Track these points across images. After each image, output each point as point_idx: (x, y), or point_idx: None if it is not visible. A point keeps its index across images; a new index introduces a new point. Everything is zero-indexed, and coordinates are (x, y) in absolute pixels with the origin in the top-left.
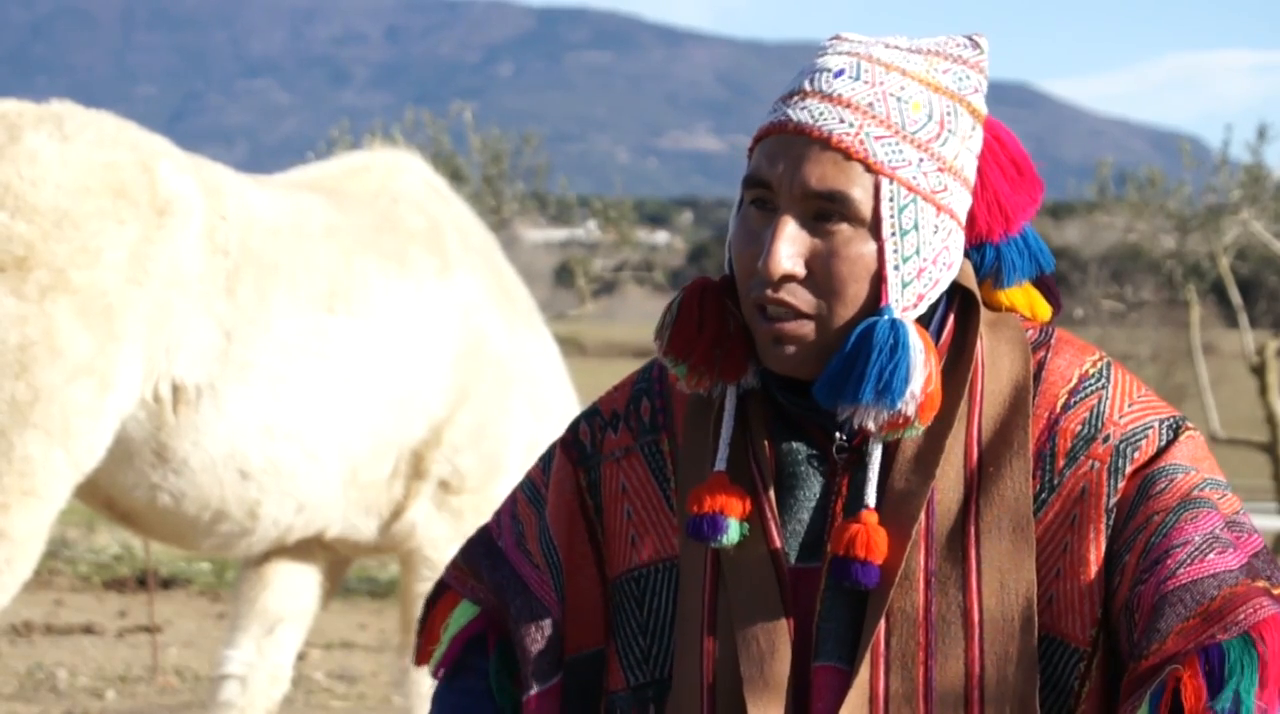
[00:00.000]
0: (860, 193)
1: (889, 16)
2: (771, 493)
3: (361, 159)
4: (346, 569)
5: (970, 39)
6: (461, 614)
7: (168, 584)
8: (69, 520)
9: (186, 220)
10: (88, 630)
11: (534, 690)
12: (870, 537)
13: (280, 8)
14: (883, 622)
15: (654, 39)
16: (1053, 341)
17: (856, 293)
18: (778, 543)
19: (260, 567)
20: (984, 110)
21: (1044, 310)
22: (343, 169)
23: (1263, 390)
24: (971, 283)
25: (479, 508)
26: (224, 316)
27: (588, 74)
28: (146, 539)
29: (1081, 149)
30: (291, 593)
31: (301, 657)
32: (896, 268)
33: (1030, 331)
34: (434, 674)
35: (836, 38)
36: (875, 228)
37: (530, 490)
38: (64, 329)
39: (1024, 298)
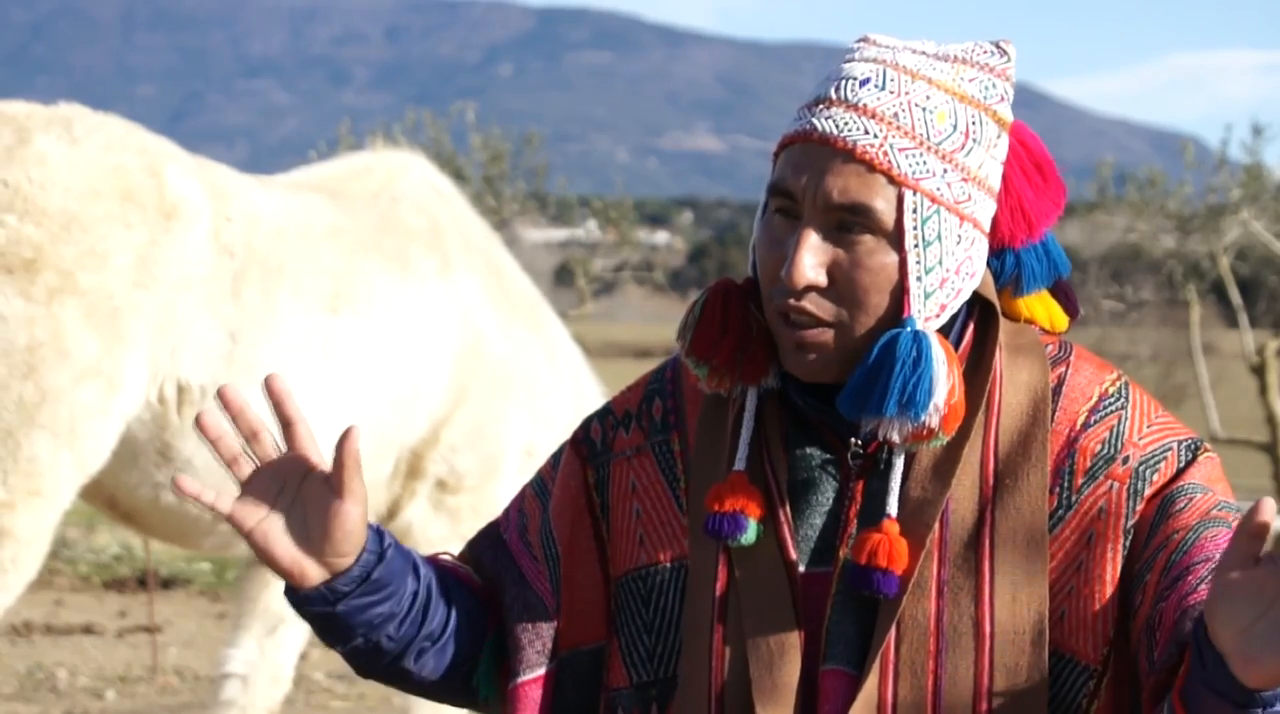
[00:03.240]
0: (883, 204)
1: (889, 17)
2: (786, 497)
3: (364, 160)
4: None
5: (997, 46)
6: None
7: (168, 584)
8: (69, 520)
9: (193, 224)
10: (88, 630)
11: (521, 679)
12: (893, 546)
13: (280, 8)
14: (893, 628)
15: (654, 39)
16: (1072, 358)
17: (878, 303)
18: (790, 547)
19: (263, 566)
20: (1009, 118)
21: (1061, 320)
22: (346, 170)
23: (1263, 390)
24: (991, 294)
25: (476, 508)
26: (229, 318)
27: (588, 74)
28: (149, 538)
29: (1082, 149)
30: None
31: (302, 657)
32: (919, 279)
33: (1050, 347)
34: None
35: (864, 40)
36: (898, 239)
37: (538, 486)
38: (71, 331)
39: (1043, 309)
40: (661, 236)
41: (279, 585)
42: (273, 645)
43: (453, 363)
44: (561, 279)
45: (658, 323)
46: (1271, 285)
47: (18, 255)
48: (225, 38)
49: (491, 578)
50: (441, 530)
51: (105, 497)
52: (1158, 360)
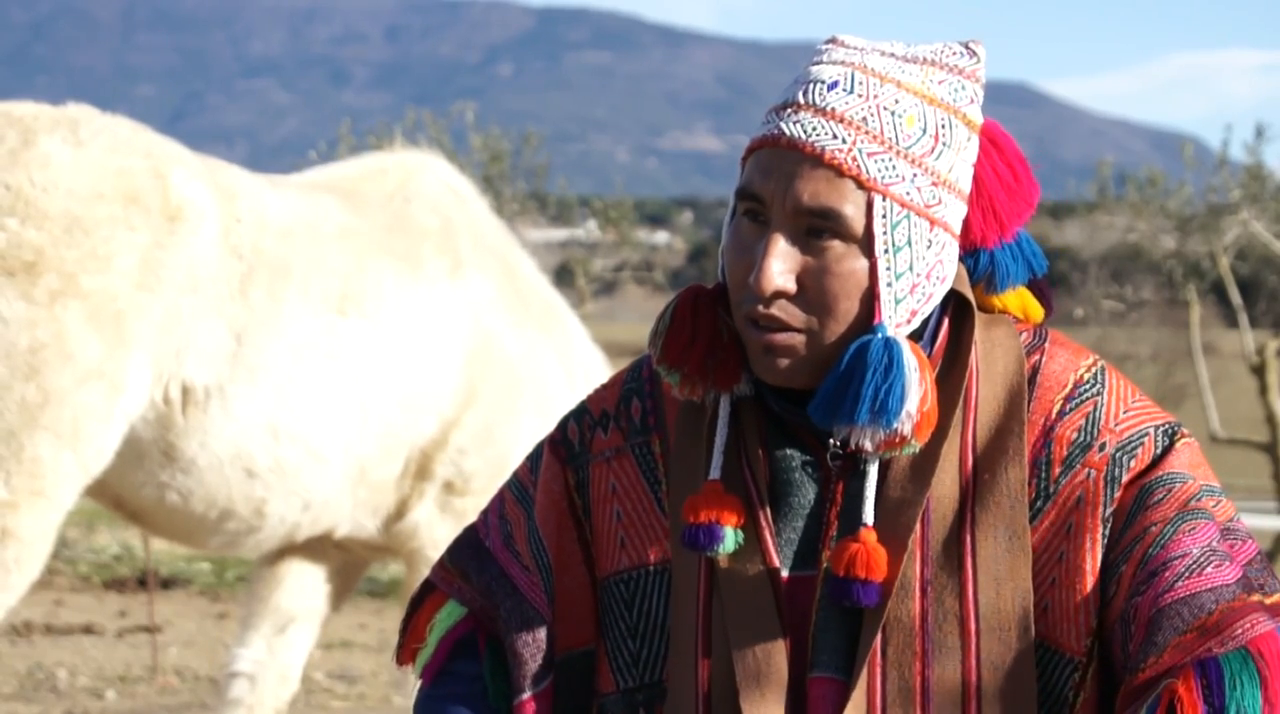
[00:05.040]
0: (852, 209)
1: (888, 17)
2: (766, 502)
3: (380, 160)
4: (362, 572)
5: (966, 47)
6: (448, 615)
7: (168, 584)
8: (69, 520)
9: (198, 226)
10: (88, 630)
11: (525, 695)
12: (870, 556)
13: (280, 8)
14: (879, 633)
15: (654, 39)
16: (1046, 345)
17: (848, 309)
18: (773, 553)
19: (274, 565)
20: (979, 120)
21: (1036, 312)
22: (362, 170)
23: (1263, 390)
24: (966, 289)
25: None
26: (235, 319)
27: (588, 74)
28: (156, 537)
29: (1081, 149)
30: (305, 592)
31: None
32: (889, 285)
33: (1024, 334)
34: (420, 677)
35: (832, 41)
36: (868, 244)
37: (518, 489)
38: (74, 333)
39: (1017, 300)
40: (661, 236)
41: (290, 584)
42: (282, 645)
43: (463, 364)
44: (561, 279)
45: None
46: (1271, 285)
47: (19, 258)
48: (225, 38)
49: (481, 591)
50: (447, 532)
51: (111, 496)
52: (1158, 360)
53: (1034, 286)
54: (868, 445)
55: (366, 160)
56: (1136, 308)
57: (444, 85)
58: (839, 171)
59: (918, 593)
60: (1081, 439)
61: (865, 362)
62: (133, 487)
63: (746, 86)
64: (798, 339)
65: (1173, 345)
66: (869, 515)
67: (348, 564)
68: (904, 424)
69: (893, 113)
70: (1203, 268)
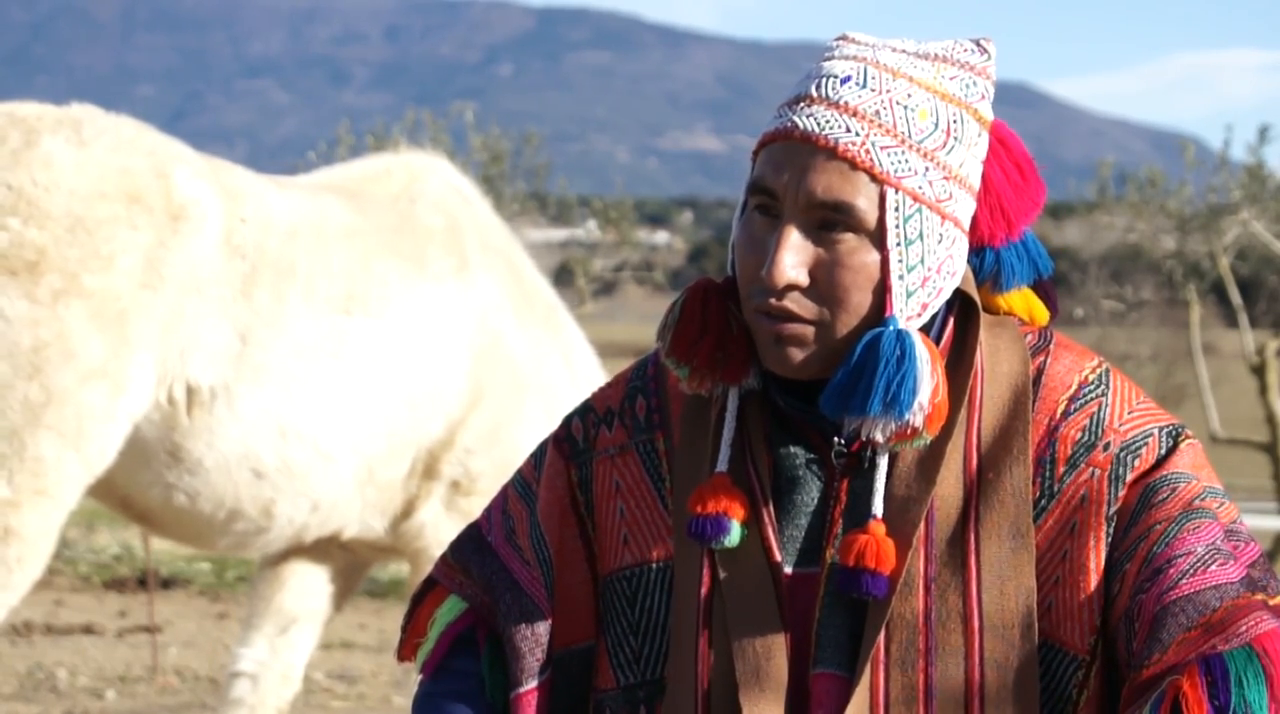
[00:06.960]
0: (865, 203)
1: (889, 17)
2: (770, 498)
3: (385, 162)
4: (365, 573)
5: (978, 44)
6: (449, 610)
7: (168, 584)
8: (69, 520)
9: (201, 225)
10: (88, 630)
11: (523, 688)
12: (880, 548)
13: (280, 8)
14: (882, 629)
15: (654, 39)
16: (1051, 347)
17: (860, 302)
18: (775, 548)
19: (278, 566)
20: (990, 117)
21: (1041, 314)
22: (366, 172)
23: (1263, 390)
24: (972, 289)
25: None
26: (240, 319)
27: (588, 74)
28: (165, 539)
29: (1081, 149)
30: (308, 593)
31: None
32: (901, 277)
33: (1029, 336)
34: (421, 672)
35: (843, 38)
36: (880, 238)
37: (521, 486)
38: (77, 332)
39: (1022, 302)
40: (661, 236)
41: (293, 585)
42: (285, 645)
43: (469, 363)
44: (561, 279)
45: (657, 323)
46: (1271, 285)
47: (21, 258)
48: (225, 38)
49: (481, 585)
50: (454, 532)
51: (119, 498)
52: (1158, 360)
53: (1039, 288)
54: (879, 437)
55: (372, 162)
56: (1136, 308)
57: (444, 85)
58: (852, 164)
59: (921, 591)
60: (1086, 439)
61: (877, 353)
62: (140, 488)
63: (746, 86)
64: (808, 331)
65: (1173, 345)
66: (878, 508)
67: (351, 565)
68: (915, 416)
69: (905, 107)
70: (1203, 268)
